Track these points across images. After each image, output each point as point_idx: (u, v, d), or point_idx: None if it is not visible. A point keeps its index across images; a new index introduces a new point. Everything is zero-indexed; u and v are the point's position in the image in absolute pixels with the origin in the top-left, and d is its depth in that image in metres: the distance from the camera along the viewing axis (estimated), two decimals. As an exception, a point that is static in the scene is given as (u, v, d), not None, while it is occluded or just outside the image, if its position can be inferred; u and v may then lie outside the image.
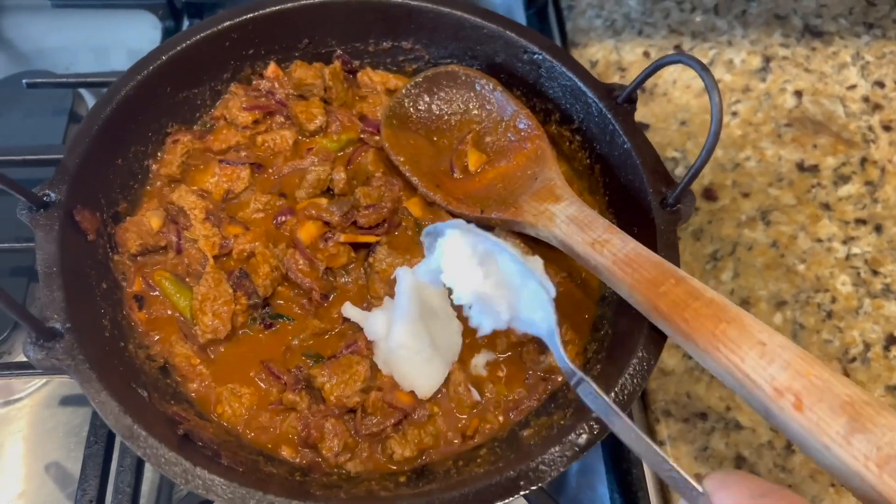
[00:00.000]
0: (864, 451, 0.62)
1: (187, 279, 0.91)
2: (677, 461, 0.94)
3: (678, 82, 1.27)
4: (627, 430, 0.67)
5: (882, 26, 1.34)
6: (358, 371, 0.84)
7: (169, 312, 0.89)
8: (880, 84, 1.28)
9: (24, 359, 0.76)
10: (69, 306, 0.76)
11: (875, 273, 1.09)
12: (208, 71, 1.01)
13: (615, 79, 1.29)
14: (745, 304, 1.06)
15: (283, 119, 1.03)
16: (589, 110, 0.97)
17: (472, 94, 1.03)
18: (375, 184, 0.97)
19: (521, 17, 1.40)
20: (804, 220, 1.13)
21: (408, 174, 0.97)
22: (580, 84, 0.97)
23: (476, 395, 0.87)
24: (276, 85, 1.04)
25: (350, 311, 0.90)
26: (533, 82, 1.03)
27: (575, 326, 0.91)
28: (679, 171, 1.18)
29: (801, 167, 1.19)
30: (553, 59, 0.98)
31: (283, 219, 0.95)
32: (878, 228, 1.13)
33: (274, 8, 1.00)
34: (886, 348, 1.03)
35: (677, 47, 1.32)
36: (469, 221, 0.95)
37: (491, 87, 1.02)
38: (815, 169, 1.18)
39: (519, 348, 0.90)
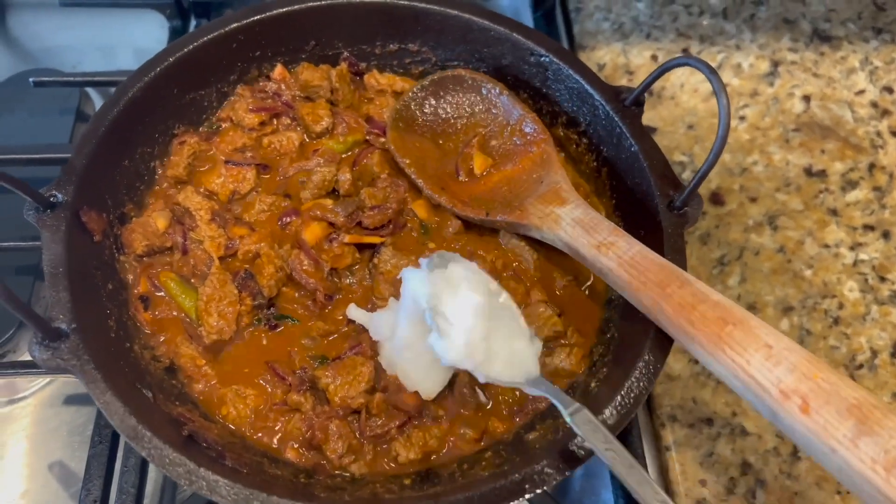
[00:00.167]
0: (871, 454, 0.61)
1: (193, 280, 0.91)
2: (682, 466, 0.94)
3: (686, 86, 1.27)
4: (623, 460, 0.68)
5: (891, 31, 1.34)
6: (362, 372, 0.84)
7: (174, 313, 0.89)
8: (888, 89, 1.27)
9: (29, 358, 0.76)
10: (75, 307, 0.76)
11: (882, 279, 1.08)
12: (215, 72, 1.01)
13: (623, 82, 1.28)
14: (751, 309, 1.05)
15: (289, 121, 1.03)
16: (596, 113, 0.97)
17: (479, 98, 1.03)
18: (381, 185, 0.97)
19: (528, 19, 1.40)
20: (811, 226, 1.13)
21: (413, 176, 0.97)
22: (587, 87, 0.96)
23: (482, 397, 0.87)
24: (283, 87, 1.04)
25: (355, 312, 0.90)
26: (540, 85, 1.03)
27: (581, 329, 0.91)
28: (686, 175, 1.18)
29: (808, 172, 1.18)
30: (560, 61, 0.98)
31: (289, 220, 0.95)
32: (886, 235, 1.12)
33: (281, 10, 1.00)
34: (893, 355, 1.02)
35: (685, 51, 1.32)
36: (475, 223, 0.96)
37: (497, 90, 1.02)
38: (822, 174, 1.18)
39: (524, 351, 0.90)
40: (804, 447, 0.67)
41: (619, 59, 1.31)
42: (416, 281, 0.87)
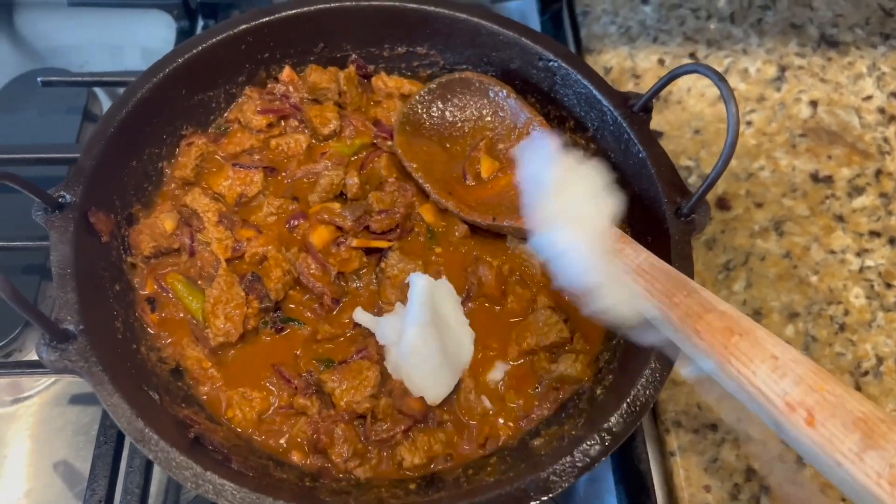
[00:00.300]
0: (876, 468, 0.61)
1: (200, 282, 0.91)
2: (687, 472, 0.94)
3: (693, 90, 1.27)
4: None
5: (899, 37, 1.34)
6: (368, 377, 0.84)
7: (181, 315, 0.90)
8: (896, 95, 1.27)
9: (35, 357, 0.76)
10: (82, 308, 0.77)
11: (889, 286, 1.08)
12: (223, 74, 1.01)
13: (629, 86, 1.28)
14: (757, 315, 1.05)
15: (297, 123, 1.04)
16: (604, 118, 0.97)
17: (486, 101, 1.03)
18: (388, 189, 0.97)
19: (535, 22, 1.40)
20: (818, 232, 1.13)
21: (420, 180, 0.97)
22: (595, 92, 0.96)
23: (487, 403, 0.87)
24: (291, 89, 1.04)
25: (361, 316, 0.90)
26: (548, 89, 1.03)
27: (587, 336, 0.91)
28: (693, 180, 1.18)
29: (815, 178, 1.18)
30: (568, 66, 0.98)
31: (296, 223, 0.95)
32: (893, 241, 1.12)
33: (290, 12, 1.00)
34: (899, 362, 1.02)
35: (692, 55, 1.32)
36: (482, 228, 0.96)
37: (505, 94, 1.02)
38: (829, 180, 1.18)
39: (530, 357, 0.90)
40: (809, 459, 0.67)
41: (625, 62, 1.31)
42: (423, 285, 0.88)
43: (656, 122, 1.23)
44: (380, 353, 0.88)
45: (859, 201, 1.16)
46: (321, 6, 1.01)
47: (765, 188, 1.17)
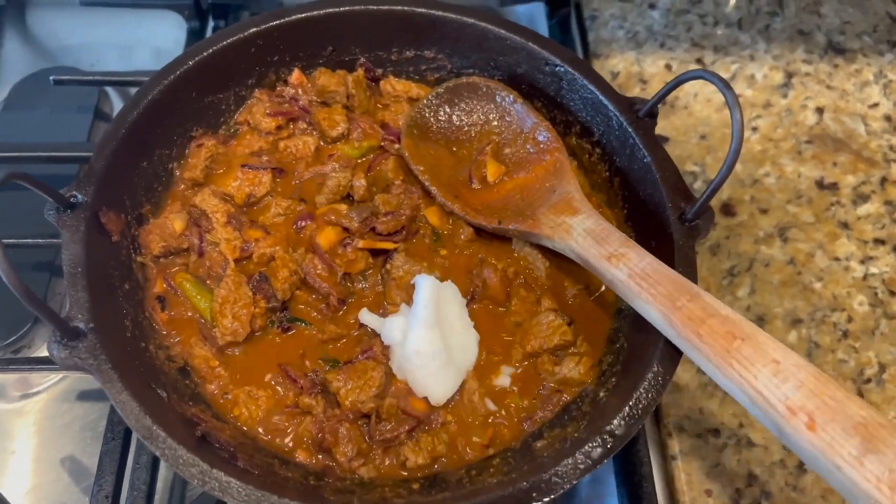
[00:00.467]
0: (876, 472, 0.62)
1: (208, 281, 0.92)
2: (688, 476, 0.95)
3: (699, 96, 1.28)
4: None
5: (906, 44, 1.34)
6: (373, 377, 0.85)
7: (189, 314, 0.91)
8: (902, 103, 1.27)
9: (45, 353, 0.77)
10: (93, 306, 0.78)
11: (893, 294, 1.08)
12: (234, 76, 1.02)
13: (636, 91, 1.29)
14: (760, 321, 1.06)
15: (305, 125, 1.04)
16: (609, 123, 0.97)
17: (493, 106, 1.04)
18: (395, 191, 0.98)
19: (543, 26, 1.40)
20: (822, 239, 1.13)
21: (427, 183, 0.98)
22: (601, 97, 0.97)
23: (491, 406, 0.88)
24: (300, 91, 1.05)
25: (367, 317, 0.91)
26: (554, 94, 1.03)
27: (590, 339, 0.91)
28: (698, 185, 1.18)
29: (820, 185, 1.19)
30: (575, 71, 0.99)
31: (303, 224, 0.95)
32: (897, 248, 1.13)
33: (300, 15, 1.01)
34: (902, 369, 1.03)
35: (699, 61, 1.32)
36: (486, 231, 0.97)
37: (511, 98, 1.03)
38: (834, 187, 1.18)
39: (534, 359, 0.90)
40: (809, 463, 0.67)
41: (632, 67, 1.32)
42: (428, 287, 0.89)
43: (662, 127, 1.24)
44: (385, 353, 0.88)
45: (864, 209, 1.16)
46: (330, 10, 1.02)
47: (770, 194, 1.18)
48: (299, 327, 0.91)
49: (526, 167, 1.00)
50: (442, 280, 0.93)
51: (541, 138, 1.00)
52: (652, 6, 1.40)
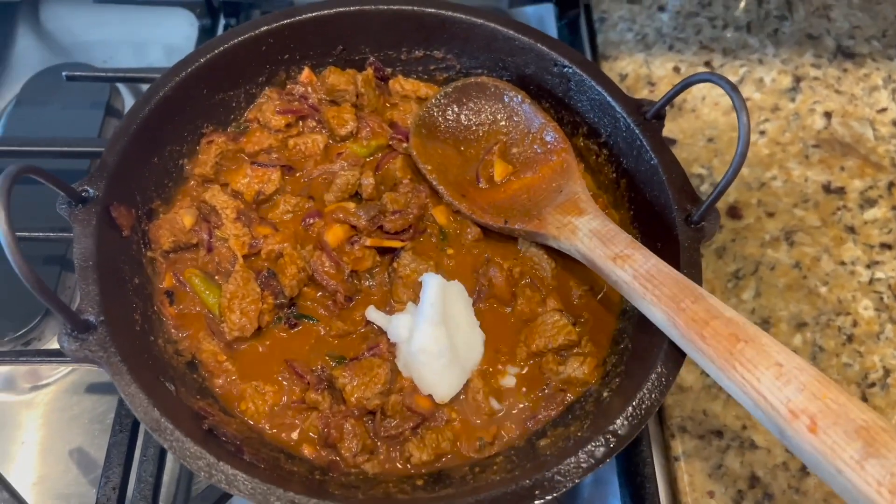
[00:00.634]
0: (877, 476, 0.62)
1: (217, 277, 0.93)
2: (691, 477, 0.95)
3: (707, 98, 1.28)
4: None
5: (915, 50, 1.34)
6: (379, 374, 0.86)
7: (198, 309, 0.91)
8: (911, 108, 1.27)
9: (55, 346, 0.78)
10: (103, 300, 0.79)
11: (898, 298, 1.09)
12: (244, 74, 1.03)
13: (644, 93, 1.29)
14: (765, 324, 1.06)
15: (314, 123, 1.05)
16: (617, 125, 0.98)
17: (501, 106, 1.05)
18: (402, 190, 0.99)
19: (552, 28, 1.41)
20: (828, 243, 1.13)
21: (434, 182, 0.99)
22: (609, 98, 0.97)
23: (495, 404, 0.88)
24: (310, 90, 1.06)
25: (373, 314, 0.91)
26: (562, 95, 1.04)
27: (595, 339, 0.92)
28: (705, 188, 1.19)
29: (827, 189, 1.19)
30: (583, 72, 0.99)
31: (312, 221, 0.96)
32: (903, 253, 1.13)
33: (310, 14, 1.01)
34: (906, 374, 1.03)
35: (707, 63, 1.33)
36: (493, 230, 0.97)
37: (519, 99, 1.03)
38: (841, 191, 1.18)
39: (538, 358, 0.91)
40: (811, 466, 0.68)
41: (641, 69, 1.32)
42: (435, 285, 0.89)
43: (670, 130, 1.24)
44: (391, 350, 0.89)
45: (871, 213, 1.16)
46: (341, 9, 1.02)
47: (777, 198, 1.18)
48: (306, 323, 0.92)
49: (533, 167, 1.01)
50: (448, 279, 0.93)
51: (548, 138, 1.01)
52: (661, 8, 1.40)
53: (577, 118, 1.04)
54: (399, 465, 0.84)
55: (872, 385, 1.02)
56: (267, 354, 0.90)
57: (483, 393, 0.88)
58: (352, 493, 0.77)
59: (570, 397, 0.89)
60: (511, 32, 1.02)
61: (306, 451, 0.84)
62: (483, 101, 1.05)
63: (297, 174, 1.02)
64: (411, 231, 0.96)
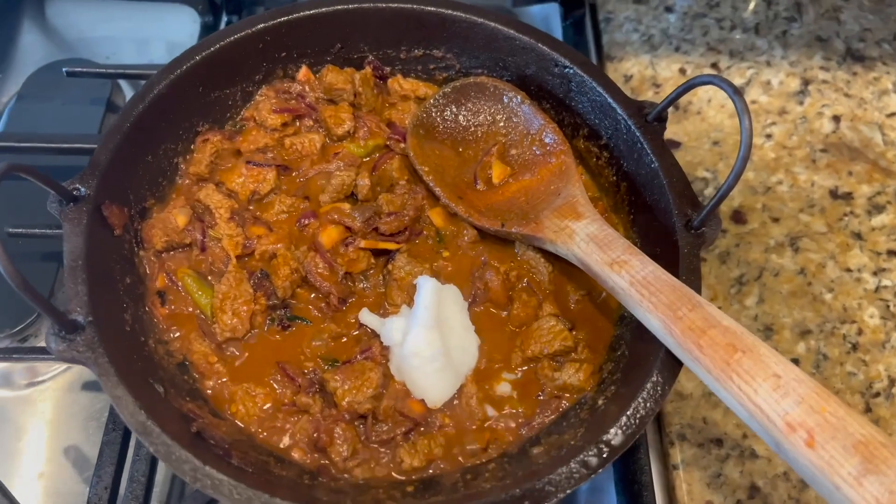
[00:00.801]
0: (875, 493, 0.61)
1: (209, 277, 0.92)
2: (689, 486, 0.94)
3: (713, 101, 1.26)
4: None
5: (927, 53, 1.31)
6: (370, 378, 0.84)
7: (189, 309, 0.91)
8: (922, 112, 1.25)
9: (50, 344, 0.77)
10: (92, 299, 0.78)
11: (905, 306, 1.07)
12: (241, 72, 1.02)
13: (649, 94, 1.27)
14: (768, 331, 1.04)
15: (311, 122, 1.04)
16: (618, 127, 0.96)
17: (500, 107, 1.03)
18: (399, 191, 0.97)
19: (557, 27, 1.39)
20: (834, 249, 1.11)
21: (431, 184, 0.98)
22: (610, 100, 0.96)
23: (489, 410, 0.87)
24: (307, 88, 1.05)
25: (367, 317, 0.90)
26: (562, 96, 1.02)
27: (592, 345, 0.91)
28: (709, 192, 1.17)
29: (834, 194, 1.17)
30: (584, 73, 0.98)
31: (306, 221, 0.95)
32: (911, 261, 1.10)
33: (308, 12, 1.00)
34: (912, 384, 1.01)
35: (714, 65, 1.31)
36: (489, 234, 0.96)
37: (519, 99, 1.02)
38: (848, 197, 1.16)
39: (534, 364, 0.90)
40: (808, 481, 0.66)
41: (646, 71, 1.30)
42: (430, 288, 0.88)
43: (675, 132, 1.22)
44: (384, 354, 0.88)
45: (879, 219, 1.14)
46: (339, 7, 1.01)
47: (782, 203, 1.16)
48: (299, 325, 0.91)
49: (531, 169, 0.99)
50: (444, 282, 0.92)
51: (547, 140, 0.99)
52: (668, 9, 1.38)
53: (577, 120, 1.02)
54: (390, 471, 0.83)
55: (877, 395, 1.00)
56: (259, 356, 0.89)
57: (477, 398, 0.87)
58: (340, 499, 0.76)
59: (565, 404, 0.87)
60: (511, 32, 1.01)
61: (296, 454, 0.83)
62: (482, 102, 1.04)
63: (293, 174, 1.01)
64: (407, 233, 0.95)
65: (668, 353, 0.78)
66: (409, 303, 0.90)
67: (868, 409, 0.99)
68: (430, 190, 0.98)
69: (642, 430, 0.76)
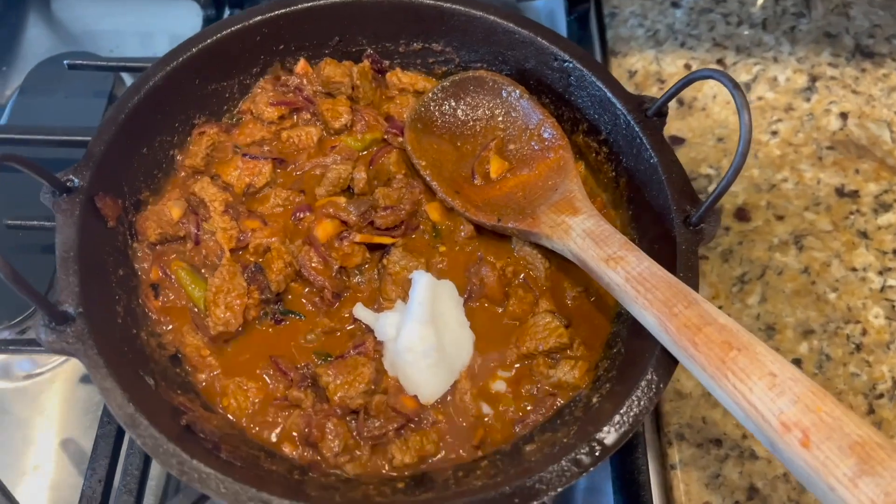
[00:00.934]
0: (870, 495, 0.59)
1: (203, 270, 0.91)
2: (687, 486, 0.93)
3: (718, 97, 1.24)
4: None
5: (938, 49, 1.29)
6: (363, 373, 0.84)
7: (183, 302, 0.90)
8: (932, 110, 1.23)
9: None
10: (83, 291, 0.77)
11: (910, 307, 1.05)
12: (238, 65, 1.01)
13: (654, 90, 1.26)
14: (770, 330, 1.03)
15: (308, 116, 1.03)
16: (617, 122, 0.95)
17: (499, 101, 1.02)
18: (396, 185, 0.97)
19: (562, 22, 1.38)
20: (839, 248, 1.09)
21: (428, 178, 0.97)
22: (609, 94, 0.94)
23: (484, 407, 0.86)
24: (305, 81, 1.04)
25: (361, 312, 0.90)
26: (562, 90, 1.01)
27: (588, 342, 0.89)
28: (712, 189, 1.15)
29: (840, 192, 1.15)
30: (583, 67, 0.96)
31: (302, 215, 0.95)
32: (918, 260, 1.08)
33: (306, 4, 0.99)
34: (916, 386, 0.99)
35: (720, 61, 1.29)
36: (486, 229, 0.95)
37: (518, 94, 1.01)
38: (855, 195, 1.14)
39: (529, 361, 0.89)
40: (803, 482, 0.65)
41: (651, 66, 1.29)
42: (424, 283, 0.88)
43: (679, 128, 1.21)
44: (377, 349, 0.87)
45: (885, 218, 1.12)
46: (337, 0, 1.00)
47: (787, 200, 1.14)
48: (293, 319, 0.90)
49: (529, 164, 0.98)
50: (440, 277, 0.91)
51: (546, 135, 0.98)
52: (675, 4, 1.36)
53: (577, 114, 1.01)
54: (381, 467, 0.82)
55: (880, 396, 0.98)
56: (252, 350, 0.88)
57: (471, 395, 0.86)
58: (329, 495, 0.75)
59: (559, 402, 0.86)
60: (511, 25, 1.00)
61: (288, 449, 0.83)
62: (481, 96, 1.03)
63: (290, 167, 1.00)
64: (403, 227, 0.94)
65: (664, 350, 0.77)
66: (404, 298, 0.90)
67: (871, 411, 0.97)
68: (427, 184, 0.97)
69: (636, 428, 0.75)
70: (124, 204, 0.90)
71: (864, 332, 1.03)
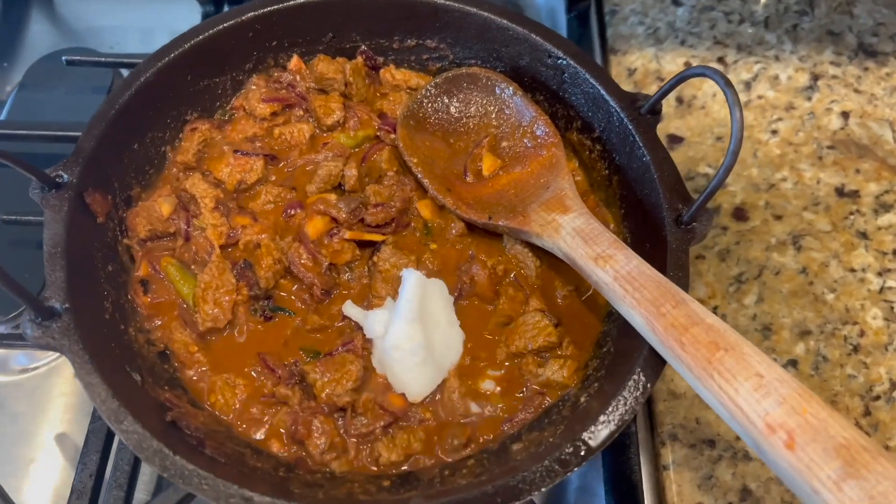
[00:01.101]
0: (855, 498, 0.58)
1: (193, 267, 0.91)
2: (679, 487, 0.92)
3: (717, 95, 1.23)
4: None
5: (943, 48, 1.27)
6: (351, 370, 0.83)
7: (172, 298, 0.90)
8: (935, 109, 1.21)
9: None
10: (70, 287, 0.77)
11: (909, 308, 1.03)
12: (230, 61, 1.01)
13: (653, 89, 1.25)
14: (766, 331, 1.02)
15: (301, 112, 1.03)
16: (610, 119, 0.94)
17: (492, 98, 1.01)
18: (387, 182, 0.96)
19: (562, 20, 1.37)
20: (838, 248, 1.08)
21: (419, 176, 0.96)
22: (602, 92, 0.94)
23: (472, 406, 0.86)
24: (298, 78, 1.04)
25: (350, 309, 0.89)
26: (556, 88, 1.00)
27: (578, 341, 0.89)
28: (710, 188, 1.14)
29: (840, 192, 1.13)
30: (577, 64, 0.96)
31: (293, 212, 0.94)
32: (918, 261, 1.07)
33: (299, 1, 0.99)
34: (914, 388, 0.98)
35: (721, 59, 1.28)
36: (478, 227, 0.95)
37: (511, 91, 1.00)
38: (855, 195, 1.13)
39: (518, 360, 0.88)
40: (787, 484, 0.64)
41: (650, 64, 1.28)
42: (414, 281, 0.87)
43: (678, 127, 1.20)
44: (366, 347, 0.87)
45: (885, 219, 1.11)
46: (330, -5, 1.00)
47: (786, 200, 1.13)
48: (281, 316, 0.90)
49: (522, 161, 0.98)
50: (430, 275, 0.91)
51: (539, 132, 0.97)
52: (676, 2, 1.35)
53: (570, 112, 1.00)
54: (367, 465, 0.82)
55: (877, 398, 0.97)
56: (240, 347, 0.88)
57: (459, 393, 0.86)
58: (313, 492, 0.75)
59: (547, 401, 0.86)
60: (504, 22, 0.99)
61: (275, 446, 0.82)
62: (474, 93, 1.02)
63: (281, 164, 1.00)
64: (394, 224, 0.94)
65: (652, 350, 0.76)
66: (394, 295, 0.89)
67: (867, 413, 0.96)
68: (418, 182, 0.97)
69: (622, 428, 0.74)
70: (114, 200, 0.90)
71: (862, 334, 1.02)
